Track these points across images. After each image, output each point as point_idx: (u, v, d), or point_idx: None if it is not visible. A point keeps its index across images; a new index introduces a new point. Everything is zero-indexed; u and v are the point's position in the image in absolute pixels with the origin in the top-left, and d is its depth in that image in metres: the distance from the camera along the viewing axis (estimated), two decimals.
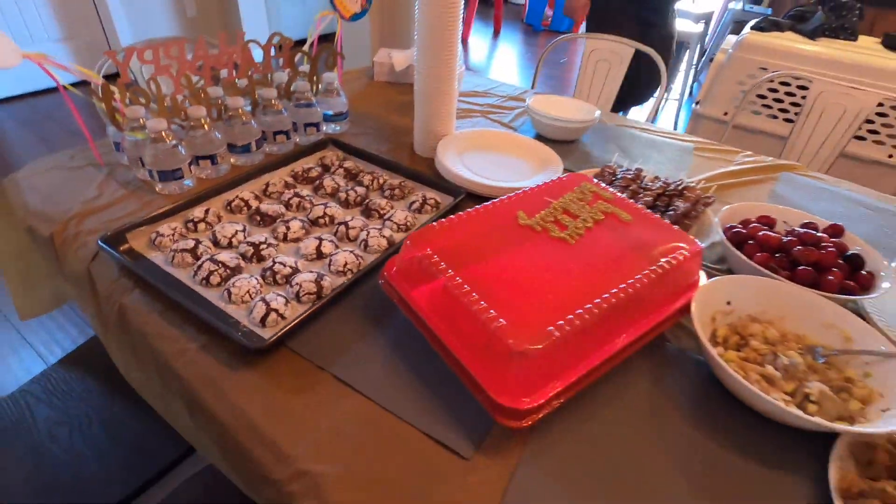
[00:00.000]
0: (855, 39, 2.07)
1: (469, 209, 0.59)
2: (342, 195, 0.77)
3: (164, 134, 0.73)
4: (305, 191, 0.78)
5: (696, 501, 0.43)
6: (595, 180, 0.67)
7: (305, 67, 0.97)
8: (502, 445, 0.46)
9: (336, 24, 0.99)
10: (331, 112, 0.96)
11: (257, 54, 0.90)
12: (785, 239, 0.65)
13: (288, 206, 0.75)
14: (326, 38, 0.95)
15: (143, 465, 0.76)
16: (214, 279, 0.60)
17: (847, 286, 0.60)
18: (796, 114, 1.50)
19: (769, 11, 3.09)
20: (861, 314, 0.62)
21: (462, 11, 0.79)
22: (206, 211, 0.71)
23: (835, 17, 2.09)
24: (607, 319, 0.48)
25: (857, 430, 0.44)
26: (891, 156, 1.96)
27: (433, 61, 0.82)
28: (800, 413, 0.45)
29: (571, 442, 0.47)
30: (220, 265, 0.61)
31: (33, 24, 2.68)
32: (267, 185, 0.78)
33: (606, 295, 0.48)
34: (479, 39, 4.46)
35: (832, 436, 0.46)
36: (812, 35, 2.08)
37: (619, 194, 0.64)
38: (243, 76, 0.86)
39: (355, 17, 0.99)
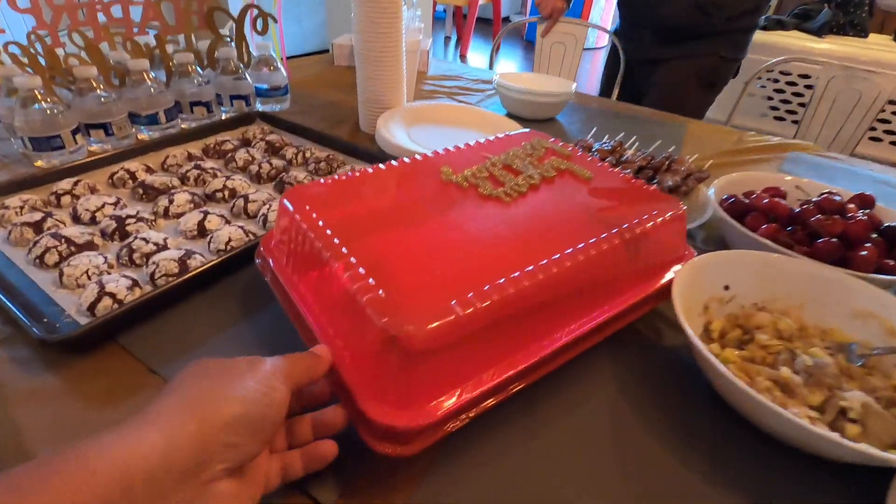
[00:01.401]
0: (865, 36, 1.94)
1: (378, 165, 0.46)
2: (254, 168, 0.64)
3: (37, 94, 0.60)
4: (212, 164, 0.64)
5: None
6: (553, 138, 0.53)
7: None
8: (386, 483, 0.31)
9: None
10: (266, 86, 0.84)
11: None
12: (798, 209, 0.50)
13: (184, 179, 0.61)
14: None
15: None
16: (50, 258, 0.46)
17: (886, 265, 0.45)
18: (801, 103, 1.35)
19: None
20: None
21: None
22: (76, 183, 0.57)
23: (842, 13, 1.97)
24: (545, 299, 0.34)
25: None
26: None
27: (375, 16, 0.70)
28: (835, 437, 0.29)
29: (490, 475, 0.32)
30: (62, 241, 0.47)
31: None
32: (167, 157, 0.65)
33: (544, 263, 0.34)
34: (479, 55, 4.42)
35: (884, 472, 0.31)
36: (819, 33, 1.96)
37: (579, 151, 0.50)
38: (143, 32, 0.74)
39: None
